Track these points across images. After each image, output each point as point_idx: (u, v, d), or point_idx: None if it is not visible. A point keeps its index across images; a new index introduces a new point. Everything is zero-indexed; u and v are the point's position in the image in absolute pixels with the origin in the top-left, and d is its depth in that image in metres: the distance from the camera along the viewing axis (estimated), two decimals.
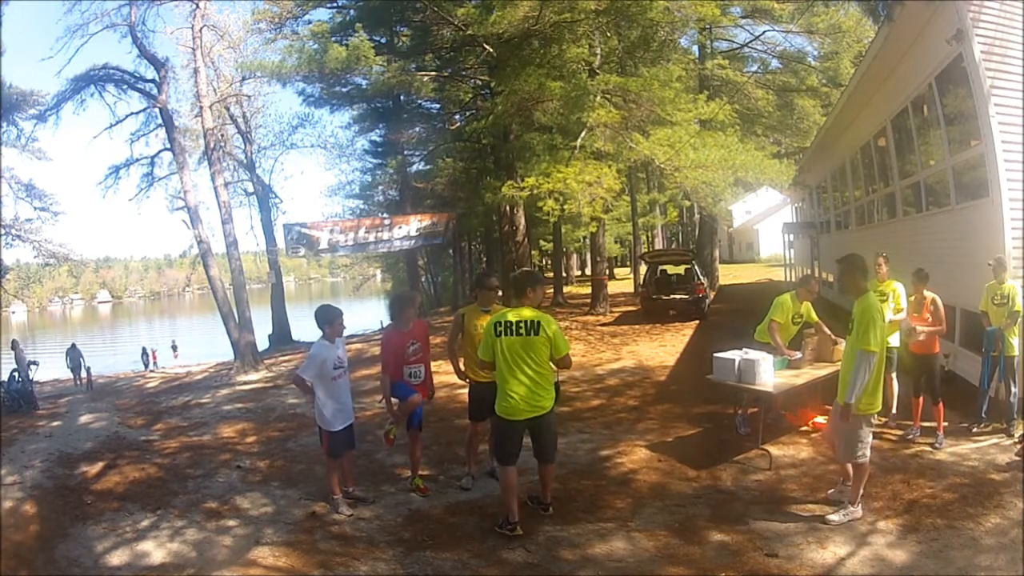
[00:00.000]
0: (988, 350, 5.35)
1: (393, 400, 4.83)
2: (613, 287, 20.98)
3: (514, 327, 4.00)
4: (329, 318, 4.59)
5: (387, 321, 22.73)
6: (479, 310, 4.92)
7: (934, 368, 5.38)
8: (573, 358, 4.36)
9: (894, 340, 5.66)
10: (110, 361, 25.53)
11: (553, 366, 4.09)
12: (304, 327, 23.44)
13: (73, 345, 18.17)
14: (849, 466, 4.12)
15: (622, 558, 3.72)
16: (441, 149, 20.87)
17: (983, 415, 5.38)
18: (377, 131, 21.00)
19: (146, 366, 22.33)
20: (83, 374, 17.04)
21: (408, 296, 5.35)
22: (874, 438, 5.41)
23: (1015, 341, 5.19)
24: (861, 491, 4.01)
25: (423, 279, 31.21)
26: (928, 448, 5.08)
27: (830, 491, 4.36)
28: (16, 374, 11.09)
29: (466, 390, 5.09)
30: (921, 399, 5.46)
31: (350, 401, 4.72)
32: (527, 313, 4.04)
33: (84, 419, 8.59)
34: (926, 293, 5.36)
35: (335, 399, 4.57)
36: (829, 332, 5.81)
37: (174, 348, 25.65)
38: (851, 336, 4.00)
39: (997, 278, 5.27)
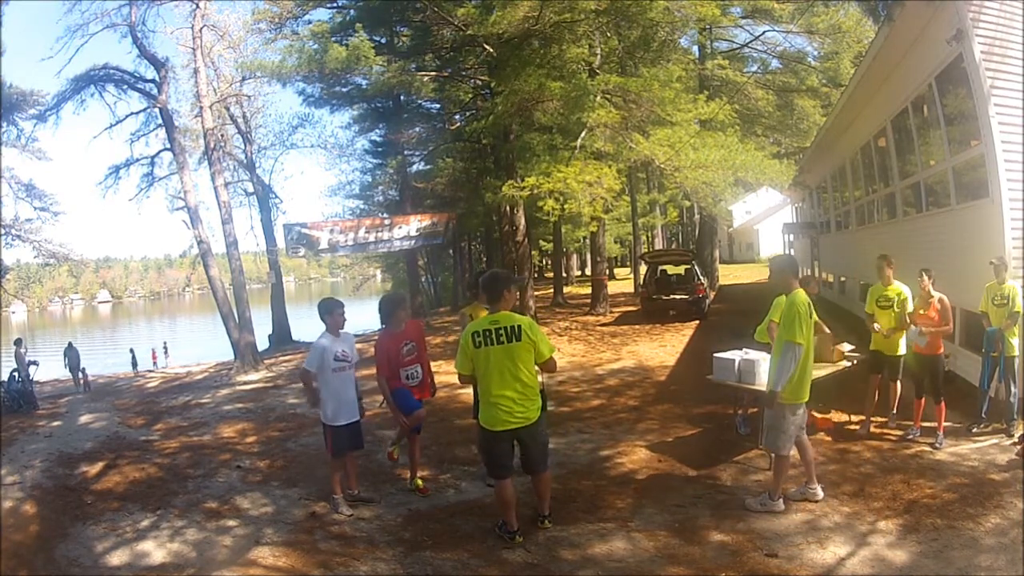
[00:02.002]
0: (988, 350, 5.34)
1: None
2: (613, 287, 21.00)
3: (494, 336, 3.75)
4: (328, 309, 4.64)
5: None
6: (481, 307, 4.93)
7: (938, 369, 5.37)
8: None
9: (902, 347, 5.62)
10: (109, 361, 25.57)
11: (538, 369, 3.95)
12: (304, 327, 23.47)
13: (70, 344, 18.18)
14: (774, 455, 4.21)
15: (622, 558, 3.72)
16: (441, 149, 20.85)
17: (983, 415, 5.37)
18: (377, 131, 20.97)
19: (134, 367, 22.37)
20: (80, 374, 17.04)
21: (397, 297, 5.34)
22: (874, 438, 5.46)
23: (1015, 341, 5.19)
24: (781, 485, 4.14)
25: (423, 279, 31.19)
26: (928, 448, 5.08)
27: (792, 490, 4.37)
28: (16, 374, 11.11)
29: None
30: (923, 400, 5.46)
31: (354, 397, 4.68)
32: (505, 318, 3.80)
33: (84, 419, 8.61)
34: (933, 292, 5.35)
35: (335, 393, 4.55)
36: (829, 332, 5.80)
37: (165, 350, 25.74)
38: (779, 330, 4.23)
39: (997, 278, 5.26)
